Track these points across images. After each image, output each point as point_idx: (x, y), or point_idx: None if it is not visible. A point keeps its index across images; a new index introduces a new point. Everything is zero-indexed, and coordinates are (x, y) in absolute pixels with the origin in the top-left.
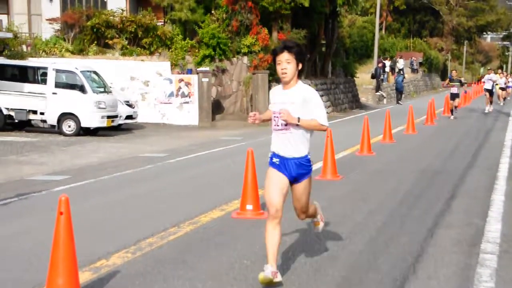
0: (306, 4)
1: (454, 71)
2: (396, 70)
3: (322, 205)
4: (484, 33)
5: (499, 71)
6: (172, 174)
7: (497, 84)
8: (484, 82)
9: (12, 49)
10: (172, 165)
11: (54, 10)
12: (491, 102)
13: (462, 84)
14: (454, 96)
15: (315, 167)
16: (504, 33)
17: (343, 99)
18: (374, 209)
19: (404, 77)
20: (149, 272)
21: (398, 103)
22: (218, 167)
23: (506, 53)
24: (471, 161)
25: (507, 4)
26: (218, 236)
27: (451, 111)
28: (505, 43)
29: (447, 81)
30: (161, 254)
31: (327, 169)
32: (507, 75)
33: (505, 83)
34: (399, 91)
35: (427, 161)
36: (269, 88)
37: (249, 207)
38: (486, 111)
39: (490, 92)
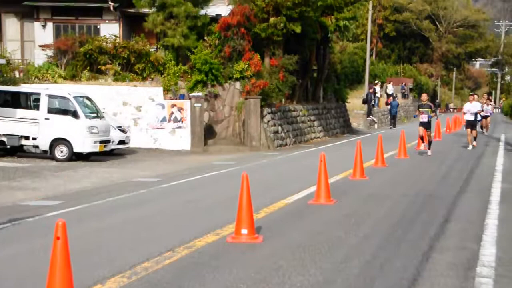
0: (298, 31)
1: (424, 95)
2: (389, 94)
3: (316, 228)
4: (473, 59)
5: (484, 95)
6: (165, 198)
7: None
8: (464, 112)
9: (5, 75)
10: (165, 189)
11: (47, 36)
12: (475, 138)
13: (434, 111)
14: (423, 126)
15: (308, 191)
16: (492, 60)
17: (335, 124)
18: (369, 233)
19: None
20: None
21: (391, 127)
22: (212, 192)
23: (495, 80)
24: (463, 185)
25: (496, 31)
26: (213, 260)
27: (427, 142)
28: (493, 69)
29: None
30: (157, 278)
31: (321, 193)
32: (490, 102)
33: (490, 111)
34: (393, 115)
35: (420, 185)
36: (262, 113)
37: (244, 231)
38: (470, 148)
39: (473, 124)
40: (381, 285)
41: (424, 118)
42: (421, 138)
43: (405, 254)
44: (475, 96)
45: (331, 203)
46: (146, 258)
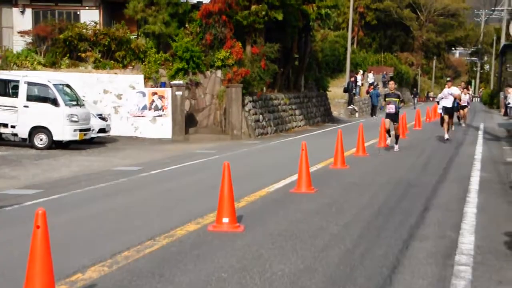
0: (280, 18)
1: (391, 82)
2: (370, 83)
3: (297, 217)
4: (453, 48)
5: (462, 84)
6: (146, 187)
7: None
8: (439, 100)
9: None
10: (146, 178)
11: (26, 22)
12: (449, 126)
13: (402, 101)
14: (390, 118)
15: (289, 180)
16: (472, 49)
17: (316, 112)
18: (350, 221)
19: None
20: (126, 286)
21: (372, 116)
22: (193, 180)
23: (474, 69)
24: (443, 174)
25: (475, 20)
26: (194, 249)
27: (389, 133)
28: (473, 58)
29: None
30: (138, 267)
31: (302, 182)
32: (468, 90)
33: (468, 101)
34: (374, 104)
35: (400, 174)
36: (243, 101)
37: (225, 220)
38: (447, 138)
39: (451, 112)
40: (361, 273)
41: (391, 109)
42: (387, 132)
43: (386, 242)
44: (451, 83)
45: (312, 191)
46: (126, 247)
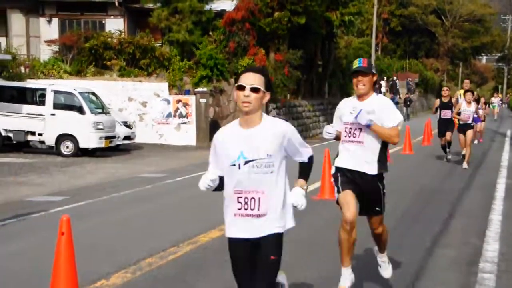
0: (302, 22)
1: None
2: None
3: (320, 224)
4: (480, 54)
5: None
6: (170, 194)
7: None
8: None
9: (11, 70)
10: (171, 185)
11: (52, 32)
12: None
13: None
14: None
15: (312, 187)
16: (499, 55)
17: None
18: None
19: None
20: None
21: None
22: None
23: (502, 74)
24: (468, 181)
25: (502, 26)
26: (217, 256)
27: None
28: (500, 64)
29: None
30: (161, 274)
31: (325, 188)
32: (497, 95)
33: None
34: None
35: (424, 181)
36: (267, 108)
37: None
38: None
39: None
40: (384, 280)
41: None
42: None
43: (409, 249)
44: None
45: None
46: (150, 254)
